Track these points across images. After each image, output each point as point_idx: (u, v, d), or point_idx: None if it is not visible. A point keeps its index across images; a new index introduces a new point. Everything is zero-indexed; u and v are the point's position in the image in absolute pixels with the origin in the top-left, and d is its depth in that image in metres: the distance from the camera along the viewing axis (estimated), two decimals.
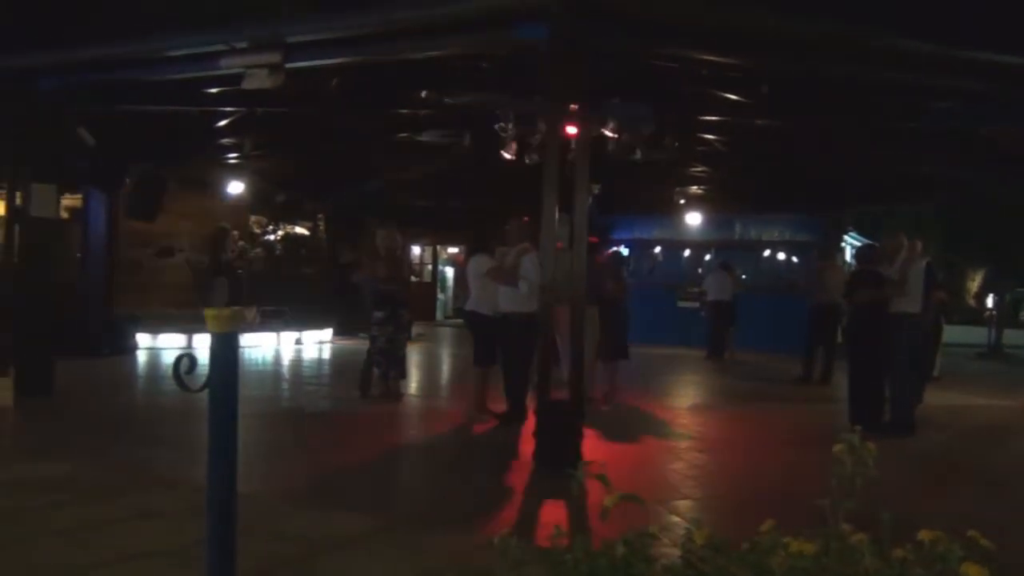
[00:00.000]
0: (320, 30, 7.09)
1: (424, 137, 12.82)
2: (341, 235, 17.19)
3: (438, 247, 23.75)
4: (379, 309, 8.92)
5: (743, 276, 18.57)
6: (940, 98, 8.45)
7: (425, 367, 12.90)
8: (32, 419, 7.73)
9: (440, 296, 23.96)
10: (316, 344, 15.20)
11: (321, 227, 17.76)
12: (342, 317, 16.47)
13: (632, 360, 9.38)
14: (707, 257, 17.90)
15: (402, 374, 9.22)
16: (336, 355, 13.95)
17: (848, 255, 18.47)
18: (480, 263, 8.08)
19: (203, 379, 2.03)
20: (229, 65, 7.34)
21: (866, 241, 20.11)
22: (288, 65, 7.11)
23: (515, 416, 7.61)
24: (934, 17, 6.43)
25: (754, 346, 15.11)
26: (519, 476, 6.02)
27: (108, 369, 10.96)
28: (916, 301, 7.90)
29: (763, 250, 18.05)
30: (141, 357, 12.24)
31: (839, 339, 11.80)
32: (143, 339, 12.86)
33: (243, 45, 7.20)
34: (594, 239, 6.16)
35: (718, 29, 6.58)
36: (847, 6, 6.62)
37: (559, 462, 5.73)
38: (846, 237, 18.72)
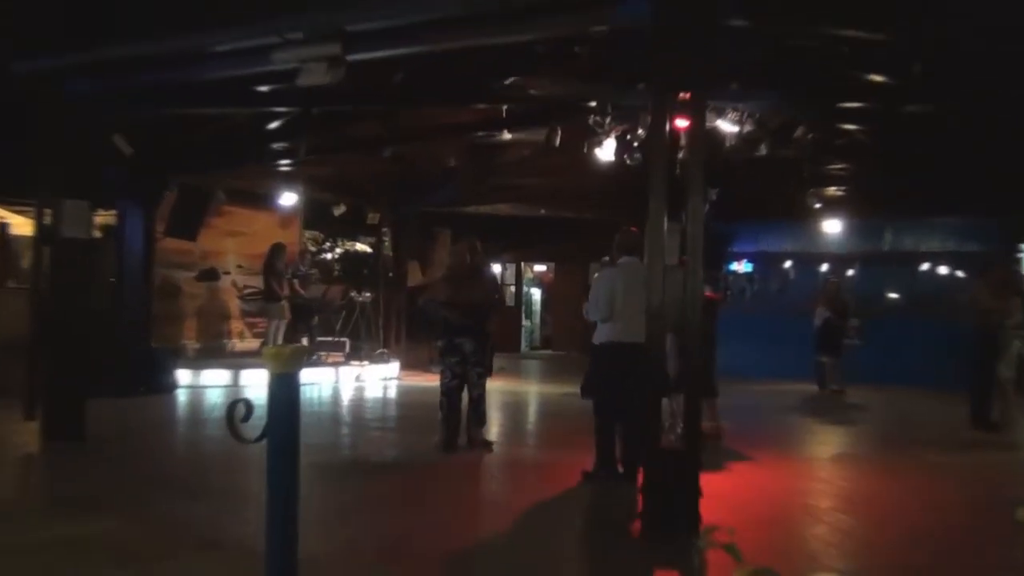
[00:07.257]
0: (389, 16, 7.14)
1: (506, 136, 12.94)
2: (409, 253, 17.43)
3: (523, 265, 23.56)
4: (441, 338, 8.94)
5: (894, 295, 18.03)
6: None
7: (507, 408, 12.93)
8: (62, 469, 8.06)
9: (525, 323, 23.61)
10: (380, 381, 15.41)
11: (386, 243, 18.03)
12: (410, 349, 16.67)
13: (753, 398, 9.21)
14: (849, 273, 17.49)
15: (480, 420, 8.86)
16: (403, 394, 14.11)
17: None
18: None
19: (259, 428, 2.10)
20: (282, 60, 7.49)
21: None
22: (350, 57, 7.24)
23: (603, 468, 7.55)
24: None
25: (913, 381, 14.64)
26: (625, 542, 5.97)
27: (145, 411, 11.33)
28: None
29: (920, 263, 17.54)
30: (181, 397, 12.63)
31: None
32: (183, 376, 13.26)
33: (298, 36, 7.37)
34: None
35: None
36: None
37: (671, 525, 5.67)
38: None
